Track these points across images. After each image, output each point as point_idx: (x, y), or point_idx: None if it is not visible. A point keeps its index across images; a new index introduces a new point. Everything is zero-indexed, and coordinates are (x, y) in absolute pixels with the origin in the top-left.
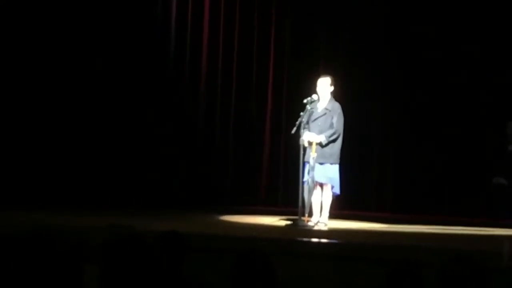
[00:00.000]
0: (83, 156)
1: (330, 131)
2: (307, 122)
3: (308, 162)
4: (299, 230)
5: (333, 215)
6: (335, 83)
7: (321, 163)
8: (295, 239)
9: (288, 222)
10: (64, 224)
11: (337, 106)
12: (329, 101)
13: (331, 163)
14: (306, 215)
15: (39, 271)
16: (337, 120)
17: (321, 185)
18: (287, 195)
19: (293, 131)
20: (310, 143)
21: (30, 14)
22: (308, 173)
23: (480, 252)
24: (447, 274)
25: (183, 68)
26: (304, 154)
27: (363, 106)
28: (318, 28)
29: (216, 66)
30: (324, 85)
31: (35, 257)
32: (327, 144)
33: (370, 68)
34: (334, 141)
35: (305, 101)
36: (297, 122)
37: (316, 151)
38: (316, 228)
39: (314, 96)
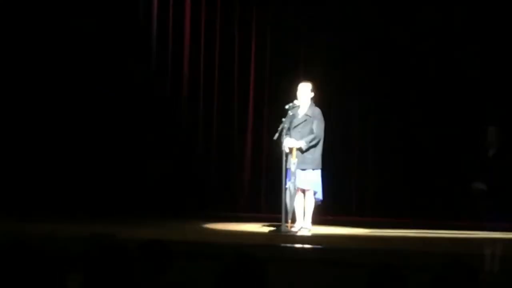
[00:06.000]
0: (63, 165)
1: (310, 137)
2: (289, 128)
3: (289, 168)
4: (282, 236)
5: (316, 220)
6: (315, 89)
7: (302, 169)
8: (279, 245)
9: (272, 228)
10: (46, 233)
11: (317, 111)
12: (310, 107)
13: (313, 169)
14: (289, 221)
15: (22, 281)
16: (317, 125)
17: (304, 190)
18: (269, 201)
19: (275, 137)
20: (291, 149)
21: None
22: (290, 179)
23: (464, 255)
24: (441, 278)
25: (165, 75)
26: (286, 160)
27: (343, 111)
28: (299, 33)
29: (198, 74)
30: (305, 91)
31: (17, 267)
32: (307, 150)
33: (350, 73)
34: (314, 146)
35: (286, 107)
36: (279, 128)
37: (297, 157)
38: (299, 233)
39: (296, 102)
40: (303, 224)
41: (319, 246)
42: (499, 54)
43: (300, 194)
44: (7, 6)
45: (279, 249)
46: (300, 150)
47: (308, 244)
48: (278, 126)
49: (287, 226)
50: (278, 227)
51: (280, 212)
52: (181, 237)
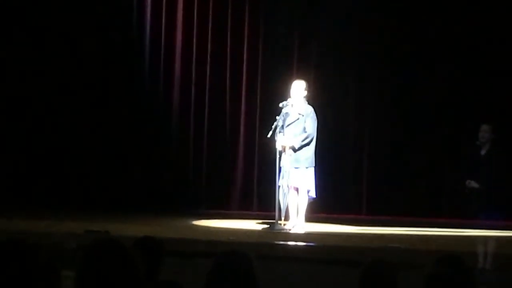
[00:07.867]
0: (56, 161)
1: (303, 135)
2: (282, 126)
3: (283, 167)
4: (276, 234)
5: (310, 218)
6: (309, 88)
7: (296, 167)
8: (273, 242)
9: (265, 226)
10: (40, 230)
11: (310, 109)
12: (302, 105)
13: (306, 167)
14: (283, 218)
15: (17, 278)
16: (309, 123)
17: (297, 188)
18: (262, 199)
19: (269, 135)
20: (284, 147)
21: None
22: (283, 177)
23: (458, 253)
24: (434, 276)
25: (157, 74)
26: (280, 158)
27: (337, 108)
28: (292, 31)
29: (190, 73)
30: (299, 89)
31: (12, 263)
32: (300, 148)
33: (343, 70)
34: (307, 144)
35: (280, 105)
36: (273, 126)
37: (290, 155)
38: (293, 231)
39: (290, 100)
40: (297, 222)
41: (312, 244)
42: (496, 52)
43: (293, 192)
44: None
45: (272, 247)
46: (292, 148)
47: (301, 241)
48: (272, 124)
49: (280, 224)
50: (271, 224)
51: (273, 210)
52: (173, 234)
